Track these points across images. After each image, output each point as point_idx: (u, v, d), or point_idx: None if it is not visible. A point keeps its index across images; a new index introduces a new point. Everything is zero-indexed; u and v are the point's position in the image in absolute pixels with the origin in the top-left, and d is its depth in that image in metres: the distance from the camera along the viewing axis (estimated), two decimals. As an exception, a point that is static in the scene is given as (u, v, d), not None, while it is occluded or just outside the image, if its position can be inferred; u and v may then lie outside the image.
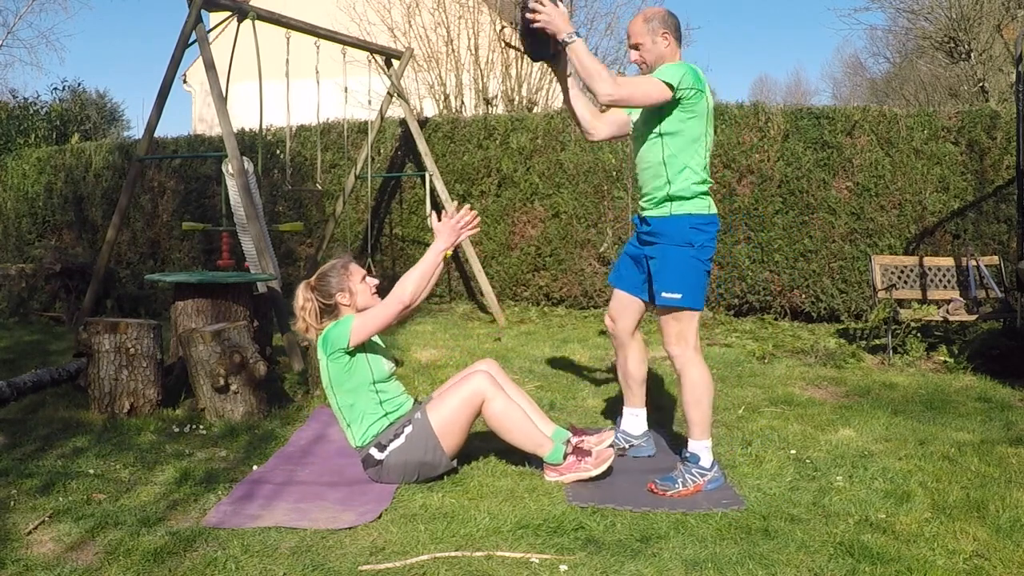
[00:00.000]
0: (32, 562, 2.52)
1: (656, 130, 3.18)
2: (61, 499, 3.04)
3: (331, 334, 3.24)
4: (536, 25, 3.04)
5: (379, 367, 3.31)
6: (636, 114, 3.34)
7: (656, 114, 3.16)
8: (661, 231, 3.22)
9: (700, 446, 3.20)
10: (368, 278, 3.41)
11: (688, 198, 3.17)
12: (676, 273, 3.17)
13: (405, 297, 3.20)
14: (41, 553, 2.60)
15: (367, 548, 2.64)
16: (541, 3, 3.01)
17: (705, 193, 3.22)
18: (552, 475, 3.27)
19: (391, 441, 3.21)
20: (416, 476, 3.23)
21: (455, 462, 3.31)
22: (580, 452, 3.32)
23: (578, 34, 3.02)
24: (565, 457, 3.27)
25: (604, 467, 3.28)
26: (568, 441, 3.36)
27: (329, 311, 3.36)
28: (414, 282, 3.21)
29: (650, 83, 3.06)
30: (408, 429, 3.21)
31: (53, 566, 2.49)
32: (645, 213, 3.32)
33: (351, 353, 3.23)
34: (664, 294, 3.19)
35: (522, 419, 3.28)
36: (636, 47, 3.26)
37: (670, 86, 3.04)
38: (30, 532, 2.74)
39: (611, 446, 3.48)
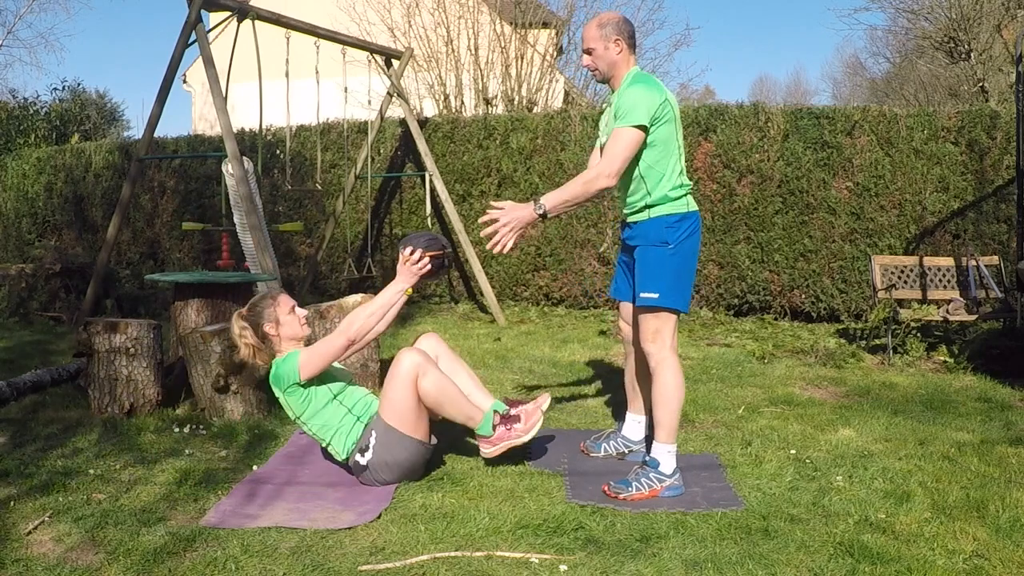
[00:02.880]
0: (32, 562, 2.52)
1: None
2: (61, 499, 3.04)
3: (281, 371, 3.25)
4: (504, 230, 3.06)
5: (335, 381, 3.33)
6: (603, 135, 3.33)
7: None
8: (639, 234, 3.26)
9: (663, 450, 3.19)
10: (298, 309, 3.42)
11: (665, 203, 3.19)
12: (653, 273, 3.18)
13: (351, 332, 3.20)
14: (41, 553, 2.60)
15: (367, 548, 2.64)
16: (496, 219, 3.07)
17: (682, 195, 3.22)
18: (485, 448, 3.32)
19: (368, 446, 3.22)
20: (405, 473, 3.23)
21: (434, 439, 3.33)
22: (508, 420, 3.34)
23: (535, 203, 3.06)
24: (495, 428, 3.30)
25: (533, 432, 3.33)
26: (496, 411, 3.37)
27: (260, 340, 3.39)
28: (362, 319, 3.21)
29: (627, 139, 3.06)
30: (373, 439, 3.21)
31: (53, 566, 2.49)
32: (628, 220, 3.35)
33: (305, 385, 3.24)
34: (642, 294, 3.20)
35: (453, 392, 3.27)
36: (589, 52, 3.28)
37: (643, 127, 3.07)
38: (30, 532, 2.74)
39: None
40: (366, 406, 3.33)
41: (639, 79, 3.19)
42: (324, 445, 3.32)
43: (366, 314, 3.25)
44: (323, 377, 3.30)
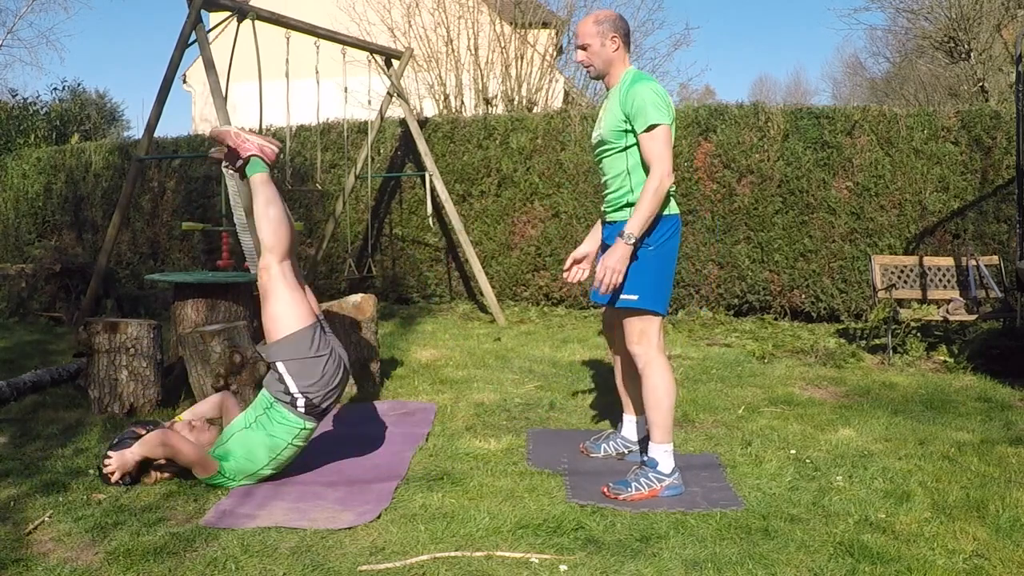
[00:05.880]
0: (32, 562, 2.52)
1: (622, 142, 3.19)
2: (61, 499, 3.05)
3: (226, 470, 3.19)
4: (613, 275, 3.09)
5: (222, 433, 3.31)
6: (599, 129, 3.31)
7: (623, 129, 3.17)
8: (619, 232, 3.21)
9: (660, 450, 3.18)
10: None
11: None
12: (633, 274, 3.14)
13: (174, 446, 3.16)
14: (41, 553, 2.60)
15: (367, 548, 2.64)
16: (604, 272, 3.09)
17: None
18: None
19: (289, 392, 3.17)
20: (333, 368, 3.22)
21: (320, 315, 3.38)
22: None
23: (624, 237, 3.06)
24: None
25: None
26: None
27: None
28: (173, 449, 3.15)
29: (664, 137, 3.08)
30: (287, 380, 3.17)
31: (53, 566, 2.49)
32: (608, 218, 3.35)
33: (223, 460, 3.19)
34: (621, 296, 3.17)
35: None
36: (584, 48, 3.26)
37: (668, 124, 3.10)
38: (30, 532, 2.75)
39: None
40: (253, 414, 3.26)
41: (643, 77, 3.19)
42: (297, 450, 3.26)
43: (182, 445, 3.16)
44: (220, 441, 3.25)
